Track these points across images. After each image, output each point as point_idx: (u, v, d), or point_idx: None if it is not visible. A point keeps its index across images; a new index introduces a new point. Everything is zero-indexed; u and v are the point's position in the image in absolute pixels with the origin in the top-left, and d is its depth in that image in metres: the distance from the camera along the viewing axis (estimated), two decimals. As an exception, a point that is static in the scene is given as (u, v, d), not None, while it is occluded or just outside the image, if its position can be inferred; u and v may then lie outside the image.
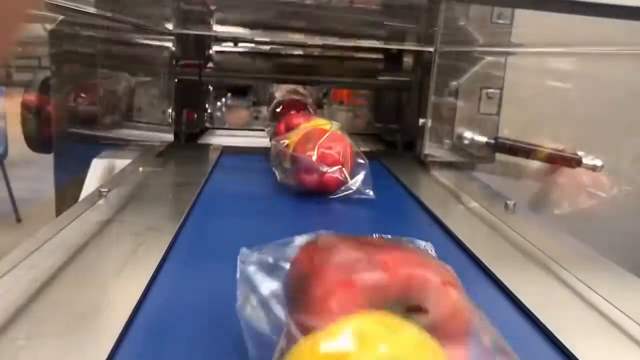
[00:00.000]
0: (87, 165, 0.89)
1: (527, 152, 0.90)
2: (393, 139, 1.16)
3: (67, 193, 0.94)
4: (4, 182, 2.47)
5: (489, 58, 0.89)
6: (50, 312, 0.38)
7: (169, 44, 1.00)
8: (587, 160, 0.88)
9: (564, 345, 0.38)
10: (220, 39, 1.16)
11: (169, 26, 0.98)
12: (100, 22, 0.83)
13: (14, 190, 2.48)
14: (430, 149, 0.96)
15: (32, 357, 0.33)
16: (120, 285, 0.43)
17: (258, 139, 1.14)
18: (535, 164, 0.93)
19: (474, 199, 0.76)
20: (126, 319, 0.37)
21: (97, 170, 0.88)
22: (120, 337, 0.35)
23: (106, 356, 0.33)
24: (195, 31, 1.02)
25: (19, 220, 2.43)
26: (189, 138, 1.11)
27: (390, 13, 1.05)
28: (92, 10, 0.76)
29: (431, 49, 0.92)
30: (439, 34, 0.90)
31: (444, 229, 0.64)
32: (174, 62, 1.02)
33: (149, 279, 0.44)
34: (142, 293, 0.41)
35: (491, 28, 0.86)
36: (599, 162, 0.88)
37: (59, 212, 0.84)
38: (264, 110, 1.36)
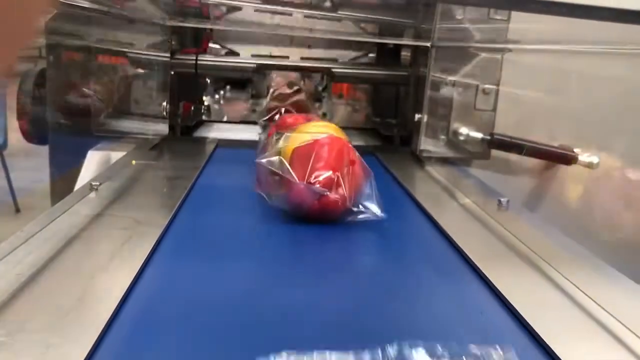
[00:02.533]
0: (82, 157, 0.89)
1: (523, 148, 0.90)
2: (391, 133, 1.16)
3: (62, 185, 0.94)
4: (4, 173, 2.47)
5: (485, 54, 0.89)
6: (34, 308, 0.38)
7: (165, 36, 1.00)
8: (583, 157, 0.88)
9: (547, 345, 0.38)
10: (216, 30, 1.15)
11: (165, 18, 0.97)
12: (96, 15, 0.83)
13: (14, 180, 2.48)
14: (426, 144, 0.96)
15: (11, 354, 0.33)
16: (106, 281, 0.43)
17: (255, 133, 1.13)
18: (531, 161, 0.92)
19: (467, 196, 0.76)
20: (109, 316, 0.37)
21: (92, 162, 0.88)
22: (101, 334, 0.35)
23: (86, 354, 0.33)
24: (191, 24, 1.02)
25: (18, 210, 2.43)
26: (184, 131, 1.11)
27: (388, 8, 1.04)
28: (86, 4, 0.76)
29: (427, 44, 0.91)
30: (435, 29, 0.89)
31: (434, 225, 0.64)
32: (170, 54, 1.02)
33: (134, 274, 0.44)
34: (127, 288, 0.41)
35: (488, 24, 0.86)
36: (595, 159, 0.88)
37: (54, 204, 0.84)
38: (264, 103, 1.35)
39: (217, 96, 1.44)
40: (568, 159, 0.88)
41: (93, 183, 0.66)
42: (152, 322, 0.39)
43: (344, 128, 1.21)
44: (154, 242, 0.51)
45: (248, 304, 0.42)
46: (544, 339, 0.38)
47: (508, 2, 0.49)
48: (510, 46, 0.86)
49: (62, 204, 0.59)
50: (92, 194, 0.64)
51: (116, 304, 0.39)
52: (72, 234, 0.51)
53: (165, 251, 0.51)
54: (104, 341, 0.35)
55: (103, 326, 0.36)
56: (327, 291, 0.47)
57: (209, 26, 1.10)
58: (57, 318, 0.37)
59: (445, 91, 0.93)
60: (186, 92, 1.16)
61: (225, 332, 0.38)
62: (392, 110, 1.21)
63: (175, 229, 0.56)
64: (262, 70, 1.16)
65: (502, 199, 0.72)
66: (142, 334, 0.37)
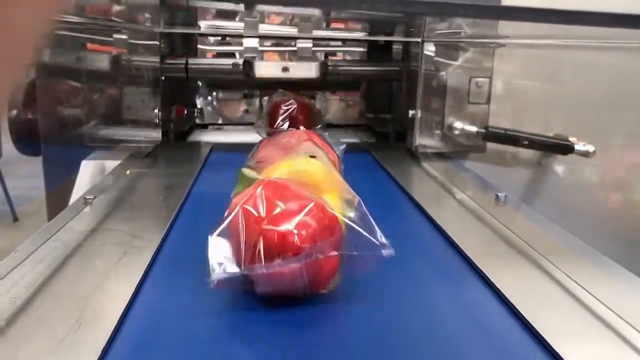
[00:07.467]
0: (76, 167, 0.89)
1: (519, 140, 0.89)
2: (385, 129, 1.15)
3: (58, 195, 0.93)
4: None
5: (476, 48, 0.88)
6: (30, 333, 0.38)
7: (154, 42, 0.99)
8: (579, 146, 0.88)
9: (546, 341, 0.38)
10: (206, 35, 1.14)
11: (154, 25, 0.96)
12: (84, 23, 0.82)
13: (10, 189, 2.47)
14: (422, 139, 0.95)
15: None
16: (102, 303, 0.42)
17: (249, 135, 1.12)
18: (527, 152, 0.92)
19: (464, 191, 0.76)
20: (106, 341, 0.37)
21: (87, 172, 0.88)
22: (101, 356, 0.35)
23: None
24: (180, 29, 1.01)
25: (16, 219, 2.42)
26: (178, 136, 1.10)
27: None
28: (75, 19, 0.75)
29: (418, 40, 0.90)
30: (425, 24, 0.89)
31: (432, 223, 0.63)
32: (159, 59, 1.01)
33: (131, 294, 0.43)
34: (124, 310, 0.41)
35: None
36: (591, 148, 0.87)
37: (50, 214, 0.83)
38: (256, 102, 1.34)
39: (209, 98, 1.43)
40: (564, 149, 0.88)
41: (87, 197, 0.65)
42: (150, 345, 0.38)
43: (337, 126, 1.22)
44: (150, 257, 0.50)
45: (254, 320, 0.42)
46: (543, 336, 0.38)
47: (496, 12, 0.48)
48: (501, 41, 0.85)
49: (57, 220, 0.59)
50: (87, 209, 0.64)
51: (113, 327, 0.38)
52: (68, 252, 0.51)
53: (162, 266, 0.50)
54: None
55: (100, 352, 0.35)
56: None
57: (198, 31, 1.09)
58: (53, 343, 0.36)
59: (438, 85, 0.92)
60: (178, 96, 1.15)
61: (229, 354, 0.37)
62: (386, 106, 1.21)
63: (172, 242, 0.56)
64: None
65: (499, 194, 0.72)
66: (140, 358, 0.37)
